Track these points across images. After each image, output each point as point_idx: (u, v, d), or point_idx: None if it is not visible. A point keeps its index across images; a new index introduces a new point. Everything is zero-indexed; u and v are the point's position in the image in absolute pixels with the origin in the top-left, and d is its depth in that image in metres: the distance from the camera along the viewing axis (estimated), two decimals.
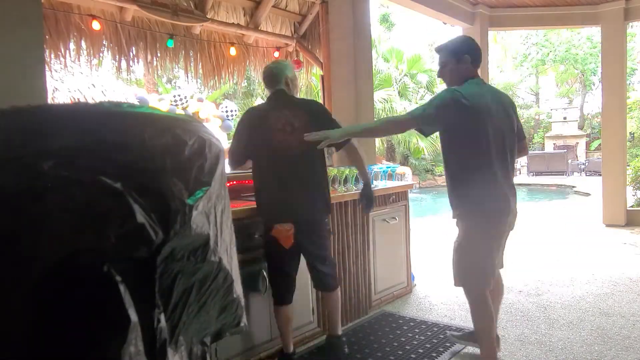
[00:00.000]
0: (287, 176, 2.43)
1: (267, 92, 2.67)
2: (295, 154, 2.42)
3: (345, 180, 3.50)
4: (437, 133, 2.43)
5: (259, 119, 2.49)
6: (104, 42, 4.15)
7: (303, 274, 2.97)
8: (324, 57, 4.58)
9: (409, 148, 16.66)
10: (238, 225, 2.50)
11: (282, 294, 2.55)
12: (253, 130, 2.48)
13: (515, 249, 5.57)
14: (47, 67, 3.36)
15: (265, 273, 2.61)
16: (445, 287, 4.13)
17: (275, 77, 2.59)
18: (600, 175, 7.28)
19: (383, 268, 3.64)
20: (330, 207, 2.66)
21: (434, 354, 2.77)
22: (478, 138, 2.26)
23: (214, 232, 0.94)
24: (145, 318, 0.78)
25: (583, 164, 18.37)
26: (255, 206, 2.54)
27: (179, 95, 9.98)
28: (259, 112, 2.58)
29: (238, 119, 2.61)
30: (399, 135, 15.95)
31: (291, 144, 2.41)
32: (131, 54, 4.34)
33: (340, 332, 2.76)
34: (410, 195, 4.07)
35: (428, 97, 17.89)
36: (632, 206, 7.07)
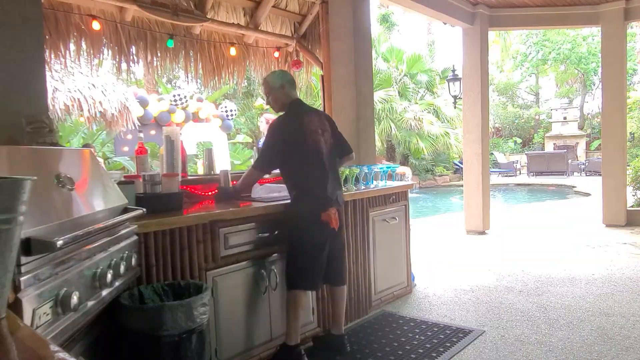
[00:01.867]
0: (326, 169, 2.71)
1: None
2: (326, 150, 2.74)
3: (345, 181, 3.50)
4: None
5: (292, 123, 2.72)
6: (104, 42, 4.15)
7: None
8: (324, 57, 4.58)
9: (409, 148, 16.64)
10: (248, 225, 2.54)
11: (316, 279, 2.70)
12: (288, 135, 2.70)
13: (515, 249, 5.58)
14: (47, 67, 3.35)
15: (272, 270, 2.64)
16: (445, 287, 4.13)
17: (295, 84, 2.86)
18: (600, 175, 7.28)
19: (383, 268, 3.64)
20: None
21: (434, 354, 2.77)
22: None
23: None
24: None
25: (583, 164, 18.35)
26: (294, 199, 2.71)
27: (179, 95, 9.99)
28: (289, 118, 2.77)
29: (270, 128, 2.79)
30: (399, 135, 15.95)
31: (324, 143, 2.74)
32: (131, 54, 4.34)
33: (344, 331, 2.89)
34: (410, 195, 4.07)
35: (428, 97, 17.93)
36: (632, 206, 7.07)
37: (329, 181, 2.69)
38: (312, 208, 2.65)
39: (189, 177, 3.50)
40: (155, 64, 4.53)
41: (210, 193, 3.06)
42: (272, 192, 3.07)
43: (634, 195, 7.33)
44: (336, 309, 2.88)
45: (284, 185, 2.87)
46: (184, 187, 2.93)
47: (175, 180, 2.52)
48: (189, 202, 2.87)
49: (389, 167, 4.01)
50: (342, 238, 2.89)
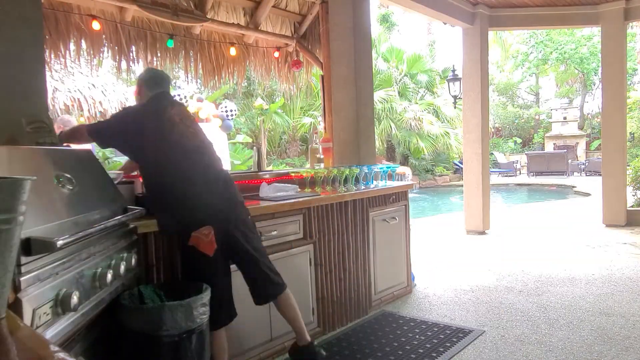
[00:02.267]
0: (194, 174, 2.18)
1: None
2: (199, 146, 2.26)
3: (346, 180, 3.50)
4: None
5: (153, 113, 2.24)
6: (104, 42, 4.15)
7: (303, 276, 2.97)
8: (324, 57, 4.58)
9: (409, 148, 16.64)
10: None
11: (216, 315, 2.10)
12: (144, 124, 2.19)
13: (515, 249, 5.58)
14: (47, 67, 3.35)
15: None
16: (445, 287, 4.13)
17: (167, 80, 2.45)
18: (600, 175, 7.28)
19: (383, 268, 3.64)
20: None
21: (434, 354, 2.77)
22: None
23: None
24: None
25: (583, 164, 18.35)
26: (164, 215, 2.13)
27: (179, 95, 9.98)
28: (149, 106, 2.30)
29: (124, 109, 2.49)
30: (399, 135, 15.94)
31: (194, 136, 2.26)
32: (131, 54, 4.34)
33: (309, 338, 2.52)
34: (410, 195, 4.07)
35: (428, 97, 17.93)
36: (632, 206, 7.07)
37: (208, 187, 2.18)
38: (179, 228, 2.12)
39: None
40: (155, 64, 4.53)
41: None
42: (280, 191, 3.06)
43: (634, 195, 7.32)
44: (289, 322, 2.48)
45: (292, 185, 2.78)
46: None
47: None
48: None
49: (389, 167, 4.01)
50: (248, 248, 2.29)
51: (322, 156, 4.04)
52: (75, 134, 2.38)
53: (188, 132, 2.24)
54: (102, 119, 2.24)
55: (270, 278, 2.37)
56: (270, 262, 2.43)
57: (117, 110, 2.21)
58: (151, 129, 2.17)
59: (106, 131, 2.29)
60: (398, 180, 5.55)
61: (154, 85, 2.37)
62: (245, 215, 2.34)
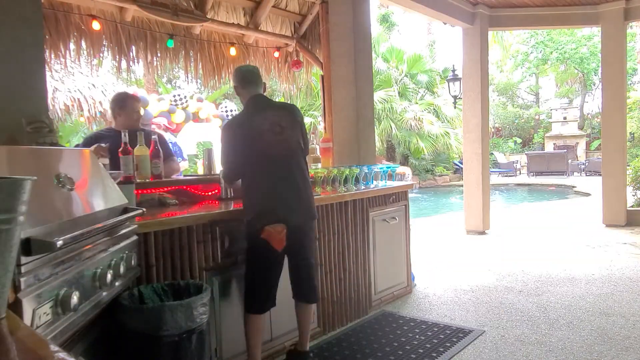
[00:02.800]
0: (279, 177, 2.42)
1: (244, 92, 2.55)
2: (284, 154, 2.44)
3: (345, 180, 3.50)
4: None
5: (242, 124, 2.48)
6: (104, 42, 4.15)
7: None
8: (324, 57, 4.58)
9: (409, 148, 16.64)
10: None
11: (263, 301, 2.43)
12: (240, 137, 2.43)
13: (515, 249, 5.58)
14: (47, 67, 3.35)
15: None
16: (445, 287, 4.13)
17: (259, 77, 2.58)
18: (600, 175, 7.28)
19: (383, 268, 3.64)
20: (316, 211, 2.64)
21: (434, 354, 2.77)
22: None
23: None
24: None
25: (583, 164, 18.36)
26: (243, 208, 2.45)
27: (179, 95, 9.98)
28: (240, 118, 2.54)
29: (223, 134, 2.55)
30: (399, 135, 15.95)
31: (280, 144, 2.44)
32: (131, 54, 4.34)
33: (308, 349, 2.67)
34: (410, 195, 4.07)
35: (428, 97, 17.93)
36: (632, 206, 7.07)
37: (281, 192, 2.40)
38: (255, 222, 2.37)
39: (189, 177, 3.50)
40: (155, 64, 4.53)
41: (210, 193, 3.06)
42: None
43: (634, 195, 7.33)
44: (299, 326, 2.63)
45: None
46: (184, 187, 2.94)
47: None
48: (188, 202, 2.87)
49: (389, 167, 4.01)
50: (306, 255, 2.55)
51: (319, 156, 4.03)
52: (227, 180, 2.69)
53: (275, 140, 2.43)
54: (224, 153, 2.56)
55: (312, 285, 2.61)
56: (316, 269, 2.69)
57: (222, 141, 2.51)
58: (241, 141, 2.42)
59: (233, 169, 2.53)
60: (398, 180, 5.55)
61: (247, 84, 2.55)
62: (312, 220, 2.56)
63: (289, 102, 17.19)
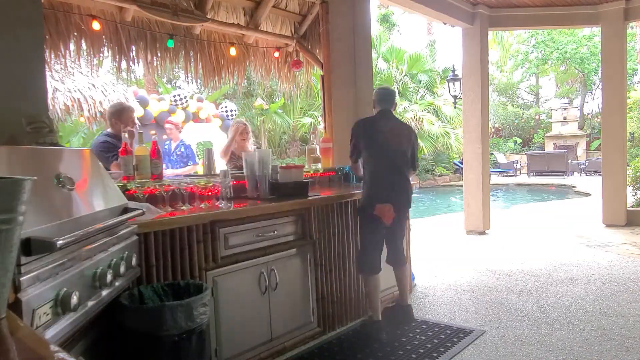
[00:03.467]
0: (389, 171, 3.11)
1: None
2: (395, 155, 3.13)
3: (346, 180, 3.50)
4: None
5: (373, 125, 3.20)
6: (104, 42, 4.15)
7: (303, 276, 2.97)
8: (324, 57, 4.58)
9: None
10: (248, 225, 2.53)
11: (376, 264, 3.12)
12: (367, 133, 3.17)
13: (515, 249, 5.58)
14: (47, 67, 3.35)
15: (272, 271, 2.60)
16: (445, 287, 4.13)
17: (393, 97, 3.33)
18: (600, 175, 7.28)
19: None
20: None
21: (435, 354, 2.77)
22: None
23: None
24: None
25: (583, 164, 18.35)
26: (362, 187, 3.18)
27: (179, 95, 9.98)
28: (372, 120, 3.26)
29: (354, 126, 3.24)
30: None
31: (395, 149, 3.13)
32: (131, 54, 4.34)
33: (408, 302, 3.39)
34: None
35: (428, 97, 17.92)
36: (632, 206, 7.08)
37: (390, 179, 3.08)
38: (369, 199, 3.06)
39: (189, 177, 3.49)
40: (155, 64, 4.53)
41: (209, 193, 3.06)
42: None
43: (634, 195, 7.33)
44: (399, 284, 3.35)
45: None
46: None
47: None
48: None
49: None
50: (400, 229, 3.29)
51: (319, 156, 4.03)
52: (355, 169, 3.38)
53: (390, 140, 3.14)
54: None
55: (402, 251, 3.36)
56: (404, 241, 3.46)
57: (352, 133, 3.27)
58: (368, 135, 3.16)
59: (357, 153, 3.22)
60: None
61: (380, 102, 3.28)
62: (407, 203, 3.25)
63: (288, 102, 16.93)
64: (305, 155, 5.12)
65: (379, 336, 3.01)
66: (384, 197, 3.04)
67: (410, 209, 3.43)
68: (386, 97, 3.29)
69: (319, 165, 3.98)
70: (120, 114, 3.66)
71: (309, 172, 3.72)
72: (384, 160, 3.12)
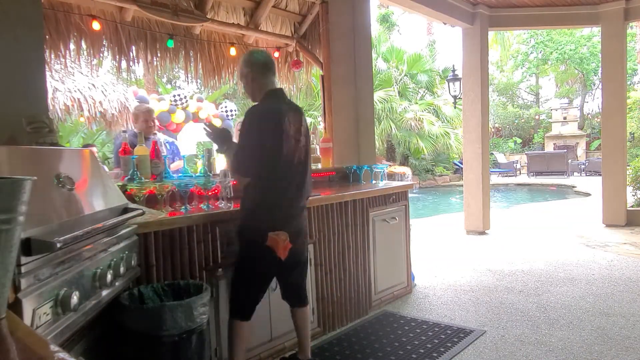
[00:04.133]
0: (291, 185, 2.32)
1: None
2: (299, 162, 2.36)
3: (346, 179, 3.50)
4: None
5: (274, 121, 2.26)
6: (104, 42, 4.15)
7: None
8: (324, 57, 4.57)
9: (409, 148, 16.63)
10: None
11: (252, 308, 2.33)
12: (267, 131, 2.24)
13: (515, 249, 5.58)
14: (47, 67, 3.35)
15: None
16: (445, 287, 4.13)
17: (274, 65, 2.40)
18: (600, 175, 7.28)
19: (383, 268, 3.64)
20: None
21: (435, 354, 2.77)
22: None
23: None
24: None
25: (583, 164, 18.35)
26: (245, 211, 2.33)
27: (179, 95, 9.98)
28: (272, 112, 2.29)
29: (244, 119, 2.34)
30: (399, 135, 15.94)
31: (298, 152, 2.34)
32: (131, 54, 4.34)
33: (310, 355, 2.59)
34: (410, 195, 4.07)
35: (428, 97, 17.92)
36: (632, 206, 7.07)
37: (295, 198, 2.33)
38: (261, 224, 2.26)
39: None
40: (155, 64, 4.53)
41: (209, 193, 3.05)
42: None
43: (634, 195, 7.32)
44: (299, 332, 2.57)
45: None
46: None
47: None
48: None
49: (376, 167, 4.05)
50: (302, 262, 2.50)
51: (319, 156, 4.04)
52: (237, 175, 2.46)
53: (296, 147, 2.33)
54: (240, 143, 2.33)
55: (304, 288, 2.60)
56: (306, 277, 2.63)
57: (242, 131, 2.27)
58: (269, 144, 2.24)
59: (247, 164, 2.29)
60: (398, 180, 5.56)
61: (268, 73, 2.36)
62: (306, 226, 2.53)
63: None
64: None
65: None
66: (281, 224, 2.27)
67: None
68: (274, 67, 2.41)
69: (319, 165, 3.99)
70: (136, 117, 3.90)
71: (316, 171, 3.71)
72: (289, 171, 2.30)
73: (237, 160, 2.30)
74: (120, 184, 2.48)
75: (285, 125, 2.27)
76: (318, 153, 4.04)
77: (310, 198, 2.95)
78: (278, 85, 2.44)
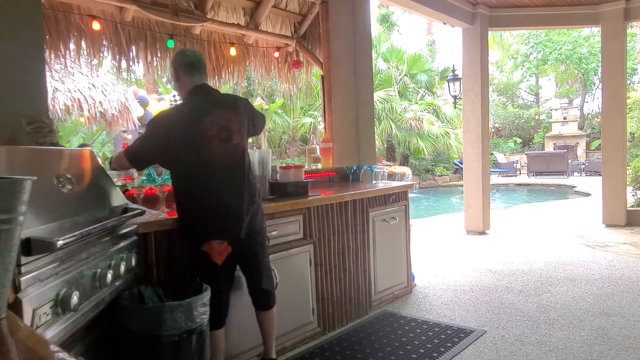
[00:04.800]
0: (222, 187, 2.16)
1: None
2: (231, 162, 2.20)
3: (347, 179, 3.50)
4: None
5: (186, 123, 2.14)
6: (104, 42, 4.15)
7: (303, 276, 2.97)
8: (324, 57, 4.58)
9: (409, 148, 16.64)
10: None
11: (218, 313, 2.19)
12: (177, 137, 2.11)
13: (515, 249, 5.58)
14: (47, 67, 3.35)
15: (275, 271, 2.56)
16: (445, 287, 4.13)
17: (202, 64, 2.31)
18: (600, 175, 7.28)
19: (383, 268, 3.64)
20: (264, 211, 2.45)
21: (435, 354, 2.77)
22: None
23: None
24: None
25: (583, 164, 18.35)
26: (178, 215, 2.20)
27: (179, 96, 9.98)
28: (182, 115, 2.19)
29: (153, 119, 2.25)
30: (399, 135, 15.95)
31: (227, 152, 2.18)
32: (131, 54, 4.34)
33: (274, 355, 2.54)
34: (410, 195, 4.07)
35: (428, 97, 17.93)
36: (632, 206, 7.07)
37: (225, 204, 2.15)
38: (195, 234, 2.17)
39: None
40: (155, 64, 4.53)
41: None
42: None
43: (634, 195, 7.32)
44: (263, 334, 2.50)
45: None
46: None
47: None
48: None
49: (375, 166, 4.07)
50: (253, 264, 2.39)
51: (319, 155, 4.04)
52: (120, 161, 2.30)
53: (222, 147, 2.17)
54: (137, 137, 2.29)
55: (266, 290, 2.45)
56: (269, 275, 2.48)
57: (149, 124, 2.21)
58: (184, 142, 2.11)
59: (140, 156, 2.21)
60: (398, 180, 5.55)
61: (193, 71, 2.28)
62: (260, 226, 2.37)
63: (288, 102, 16.85)
64: (305, 155, 5.11)
65: None
66: (218, 229, 2.15)
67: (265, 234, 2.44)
68: (202, 65, 2.32)
69: (319, 165, 3.99)
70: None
71: (316, 171, 3.71)
72: (212, 177, 2.15)
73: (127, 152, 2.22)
74: (121, 184, 2.48)
75: (202, 127, 2.13)
76: (318, 153, 4.04)
77: (311, 198, 2.98)
78: (203, 82, 2.32)
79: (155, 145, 2.15)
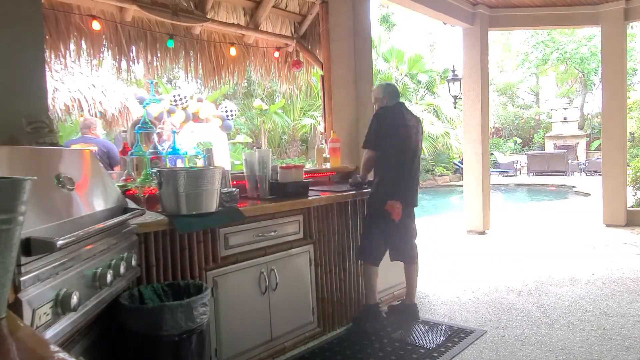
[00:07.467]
0: (410, 165, 3.19)
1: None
2: (414, 151, 3.22)
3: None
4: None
5: (394, 115, 3.20)
6: (104, 42, 4.15)
7: (303, 276, 2.97)
8: (324, 57, 4.57)
9: None
10: (248, 225, 2.53)
11: (379, 256, 3.22)
12: (395, 124, 3.16)
13: (515, 249, 5.58)
14: (47, 67, 3.35)
15: (272, 271, 2.60)
16: (445, 287, 4.13)
17: (398, 93, 3.42)
18: (600, 175, 7.28)
19: (383, 268, 3.63)
20: None
21: (436, 354, 2.77)
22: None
23: None
24: None
25: (583, 164, 18.35)
26: (374, 184, 3.22)
27: (179, 95, 9.98)
28: (392, 111, 3.23)
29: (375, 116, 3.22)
30: None
31: (414, 142, 3.23)
32: (131, 54, 4.33)
33: (416, 301, 3.41)
34: None
35: (428, 97, 17.93)
36: (632, 206, 7.07)
37: (404, 177, 3.15)
38: (384, 195, 3.12)
39: None
40: (155, 64, 4.53)
41: None
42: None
43: (634, 195, 7.32)
44: (407, 282, 3.37)
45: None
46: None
47: None
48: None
49: None
50: (411, 227, 3.33)
51: (328, 156, 4.04)
52: (366, 163, 3.32)
53: (411, 135, 3.20)
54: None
55: (413, 248, 3.36)
56: (415, 238, 3.42)
57: (373, 123, 3.23)
58: (393, 127, 3.16)
59: (375, 140, 3.18)
60: None
61: (392, 97, 3.33)
62: (416, 202, 3.33)
63: (288, 102, 16.92)
64: (305, 156, 5.10)
65: (374, 322, 3.17)
66: (399, 195, 3.10)
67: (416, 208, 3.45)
68: (396, 92, 3.38)
69: (329, 165, 4.00)
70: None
71: (316, 171, 3.70)
72: (405, 156, 3.16)
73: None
74: (121, 184, 2.48)
75: (404, 121, 3.25)
76: (327, 154, 4.05)
77: (311, 198, 2.99)
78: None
79: (379, 133, 3.17)
